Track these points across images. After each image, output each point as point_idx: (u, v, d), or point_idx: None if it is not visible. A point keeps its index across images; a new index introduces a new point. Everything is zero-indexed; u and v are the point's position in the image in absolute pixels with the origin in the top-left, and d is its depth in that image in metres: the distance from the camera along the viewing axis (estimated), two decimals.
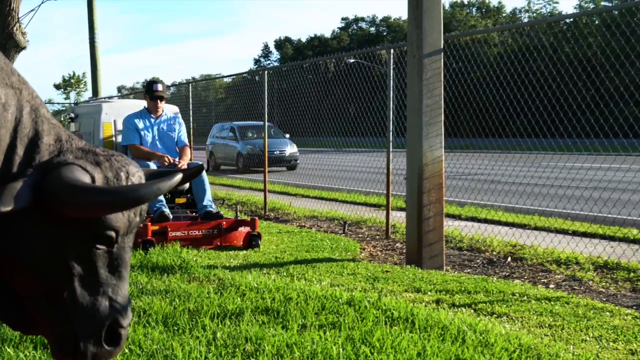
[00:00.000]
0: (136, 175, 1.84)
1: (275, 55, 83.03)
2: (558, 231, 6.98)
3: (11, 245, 1.73)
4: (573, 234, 6.90)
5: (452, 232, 7.11)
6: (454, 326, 3.45)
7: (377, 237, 7.40)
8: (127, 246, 1.84)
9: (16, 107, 1.76)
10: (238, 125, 20.18)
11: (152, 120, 7.01)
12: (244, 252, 6.30)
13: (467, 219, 8.27)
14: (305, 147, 19.46)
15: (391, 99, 7.29)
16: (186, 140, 7.20)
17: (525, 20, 57.20)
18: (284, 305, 3.86)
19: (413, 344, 3.18)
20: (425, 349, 3.11)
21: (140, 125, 6.93)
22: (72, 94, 65.92)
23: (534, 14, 59.46)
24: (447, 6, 64.61)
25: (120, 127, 7.22)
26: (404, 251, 6.14)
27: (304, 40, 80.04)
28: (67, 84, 66.50)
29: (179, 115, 7.63)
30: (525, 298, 4.41)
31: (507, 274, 5.56)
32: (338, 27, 78.93)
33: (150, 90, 7.01)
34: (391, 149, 7.38)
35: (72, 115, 8.15)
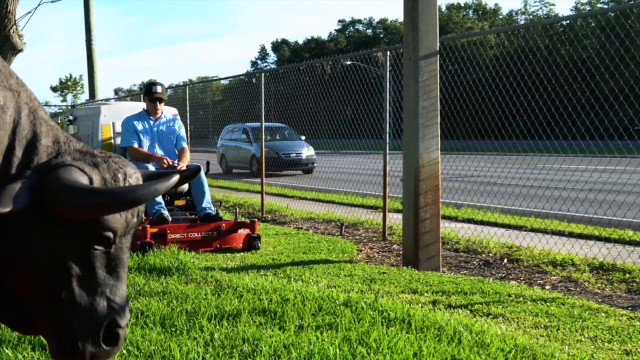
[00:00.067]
0: (133, 176, 1.86)
1: (272, 57, 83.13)
2: (554, 233, 7.01)
3: (10, 245, 1.74)
4: (569, 235, 6.93)
5: (448, 234, 7.13)
6: (450, 327, 3.47)
7: (374, 238, 7.41)
8: (124, 247, 1.86)
9: (15, 110, 1.78)
10: (251, 127, 19.11)
11: (151, 122, 6.99)
12: (241, 253, 6.31)
13: (464, 220, 8.29)
14: None
15: (387, 101, 7.31)
16: (185, 142, 7.18)
17: (522, 22, 57.38)
18: (281, 307, 3.87)
19: (409, 344, 3.20)
20: (421, 350, 3.12)
21: (139, 127, 6.91)
22: (69, 97, 65.84)
23: (531, 16, 59.62)
24: (443, 8, 64.78)
25: (119, 129, 7.19)
26: (401, 253, 6.16)
27: (300, 42, 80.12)
28: (63, 87, 66.42)
29: (178, 117, 7.62)
30: (521, 299, 4.44)
31: (503, 275, 5.58)
32: (335, 29, 79.09)
33: (149, 92, 6.99)
34: (388, 151, 7.40)
35: (71, 117, 8.14)
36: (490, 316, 4.06)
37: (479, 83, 9.82)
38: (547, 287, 5.11)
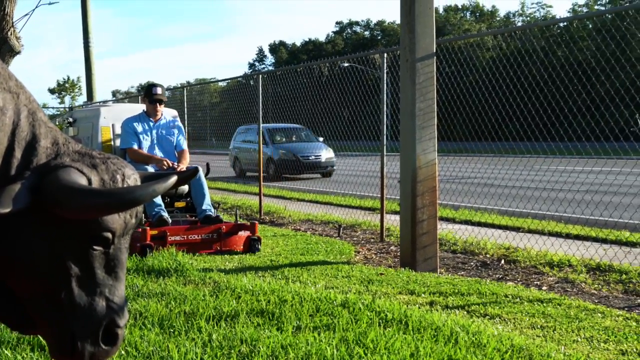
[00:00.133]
0: (132, 177, 1.87)
1: (270, 59, 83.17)
2: (551, 234, 7.03)
3: (9, 246, 1.75)
4: (566, 236, 6.96)
5: (446, 235, 7.15)
6: (447, 327, 3.49)
7: (372, 240, 7.43)
8: (123, 247, 1.87)
9: (14, 111, 1.79)
10: (267, 128, 18.17)
11: (151, 123, 6.97)
12: (240, 255, 6.32)
13: (461, 222, 8.31)
14: None
15: (385, 102, 7.34)
16: (185, 144, 7.14)
17: (519, 24, 57.45)
18: (279, 308, 3.89)
19: (406, 344, 3.22)
20: (418, 350, 3.14)
21: (139, 128, 6.88)
22: (67, 98, 65.78)
23: (528, 18, 59.75)
24: (441, 10, 64.87)
25: (118, 131, 7.17)
26: (399, 254, 6.18)
27: (298, 44, 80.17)
28: (61, 88, 66.31)
29: (178, 118, 7.60)
30: (518, 300, 4.46)
31: (501, 276, 5.60)
32: (332, 31, 79.10)
33: (149, 94, 6.95)
34: (385, 153, 7.42)
35: (71, 119, 8.13)
36: (487, 317, 4.08)
37: (476, 85, 9.85)
38: (544, 288, 5.13)
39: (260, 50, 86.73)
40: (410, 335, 3.39)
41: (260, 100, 9.88)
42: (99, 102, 15.90)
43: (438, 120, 5.82)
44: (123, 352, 3.07)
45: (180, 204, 7.01)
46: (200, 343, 3.24)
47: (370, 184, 11.46)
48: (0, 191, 1.65)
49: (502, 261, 6.09)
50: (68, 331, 1.79)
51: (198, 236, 6.34)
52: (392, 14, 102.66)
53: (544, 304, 4.32)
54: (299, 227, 8.57)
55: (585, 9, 48.47)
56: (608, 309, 4.29)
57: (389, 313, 3.76)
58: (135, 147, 6.82)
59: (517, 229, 7.47)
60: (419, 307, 4.17)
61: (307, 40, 79.23)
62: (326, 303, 3.99)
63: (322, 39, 78.32)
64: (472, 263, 6.13)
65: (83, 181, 1.75)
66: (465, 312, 4.18)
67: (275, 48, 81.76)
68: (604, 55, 7.60)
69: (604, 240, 6.49)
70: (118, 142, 7.18)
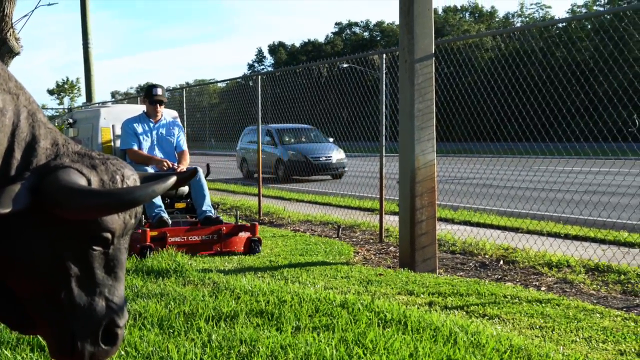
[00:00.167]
0: (131, 178, 1.88)
1: (269, 60, 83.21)
2: (550, 234, 7.04)
3: (10, 246, 1.76)
4: (565, 237, 6.97)
5: (445, 236, 7.16)
6: (445, 327, 3.50)
7: (371, 240, 7.44)
8: (122, 247, 1.88)
9: (14, 112, 1.80)
10: (276, 128, 17.90)
11: (151, 124, 6.95)
12: (239, 256, 6.32)
13: (460, 222, 8.33)
14: None
15: (384, 103, 7.35)
16: (185, 145, 7.12)
17: (518, 25, 57.50)
18: (278, 308, 3.89)
19: (405, 345, 3.23)
20: (417, 350, 3.15)
21: (139, 129, 6.87)
22: (66, 100, 65.85)
23: (527, 19, 59.80)
24: (440, 11, 64.89)
25: (118, 132, 7.15)
26: (397, 255, 6.19)
27: (297, 45, 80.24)
28: (60, 90, 66.40)
29: (178, 119, 7.58)
30: (516, 300, 4.47)
31: (499, 276, 5.61)
32: (332, 32, 79.15)
33: (149, 94, 6.93)
34: (384, 154, 7.43)
35: (71, 120, 8.12)
36: (486, 317, 4.09)
37: (475, 85, 9.86)
38: (543, 288, 5.14)
39: (260, 51, 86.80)
40: (409, 335, 3.40)
41: (260, 101, 9.89)
42: (98, 104, 15.92)
43: (437, 121, 5.83)
44: (123, 352, 3.08)
45: (180, 205, 7.00)
46: (199, 343, 3.25)
47: (369, 185, 11.47)
48: (0, 192, 1.66)
49: (501, 262, 6.10)
50: (68, 331, 1.80)
51: (198, 237, 6.31)
52: (391, 15, 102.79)
53: (543, 305, 4.33)
54: (298, 228, 8.58)
55: (584, 10, 48.55)
56: (606, 309, 4.30)
57: (388, 313, 3.77)
58: (135, 148, 6.81)
59: (516, 230, 7.48)
60: (418, 308, 4.18)
61: (307, 41, 79.28)
62: (325, 303, 4.00)
63: (321, 39, 78.39)
64: (471, 263, 6.14)
65: (82, 182, 1.76)
66: (464, 313, 4.19)
67: (274, 49, 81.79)
68: (602, 55, 7.61)
69: (602, 241, 6.50)
70: (118, 143, 7.16)
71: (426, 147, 5.68)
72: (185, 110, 11.72)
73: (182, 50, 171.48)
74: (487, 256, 6.35)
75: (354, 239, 7.58)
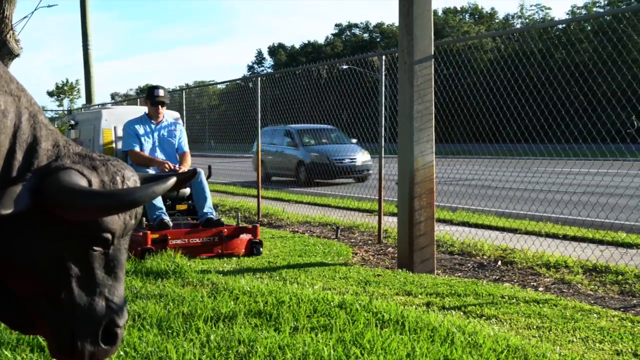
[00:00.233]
0: (131, 179, 1.90)
1: (268, 61, 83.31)
2: (548, 235, 7.06)
3: (10, 246, 1.78)
4: (563, 237, 6.99)
5: (443, 237, 7.18)
6: (443, 328, 3.51)
7: (370, 241, 7.46)
8: (122, 248, 1.90)
9: (15, 114, 1.82)
10: (296, 129, 16.71)
11: (153, 126, 6.93)
12: (238, 257, 6.34)
13: (459, 223, 8.34)
14: None
15: (383, 105, 7.37)
16: (187, 147, 7.09)
17: (518, 26, 57.53)
18: (277, 309, 3.91)
19: (403, 345, 3.25)
20: (414, 350, 3.17)
21: (141, 131, 6.85)
22: (66, 101, 65.85)
23: (527, 20, 59.86)
24: (440, 12, 65.01)
25: (120, 133, 7.13)
26: (396, 255, 6.21)
27: (297, 46, 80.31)
28: (60, 91, 66.42)
29: (180, 121, 7.57)
30: (514, 301, 4.48)
31: (497, 277, 5.63)
32: (331, 34, 79.29)
33: (151, 96, 6.90)
34: (383, 155, 7.45)
35: (72, 122, 8.12)
36: (484, 317, 4.11)
37: (474, 87, 9.89)
38: (541, 288, 5.16)
39: (259, 53, 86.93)
40: (406, 335, 3.42)
41: (259, 103, 9.91)
42: (98, 105, 15.93)
43: (436, 122, 5.85)
44: (122, 352, 3.10)
45: (181, 207, 6.97)
46: (198, 344, 3.27)
47: (368, 186, 11.49)
48: (2, 193, 1.68)
49: (499, 262, 6.12)
50: (68, 331, 1.82)
51: (199, 239, 6.30)
52: (391, 16, 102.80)
53: (540, 305, 4.35)
54: (297, 229, 8.59)
55: (583, 11, 48.60)
56: (604, 309, 4.32)
57: (386, 314, 3.79)
58: (137, 149, 6.80)
59: (514, 231, 7.50)
60: (416, 308, 4.20)
61: (306, 42, 79.39)
62: (323, 304, 4.02)
63: (321, 41, 78.49)
64: (469, 264, 6.15)
65: (83, 183, 1.78)
66: (461, 313, 4.21)
67: (274, 50, 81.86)
68: (602, 57, 7.64)
69: (600, 242, 6.52)
70: (120, 144, 7.16)
71: (425, 148, 5.71)
72: (185, 111, 11.74)
73: (182, 51, 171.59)
74: (485, 257, 6.37)
75: (352, 240, 7.60)
